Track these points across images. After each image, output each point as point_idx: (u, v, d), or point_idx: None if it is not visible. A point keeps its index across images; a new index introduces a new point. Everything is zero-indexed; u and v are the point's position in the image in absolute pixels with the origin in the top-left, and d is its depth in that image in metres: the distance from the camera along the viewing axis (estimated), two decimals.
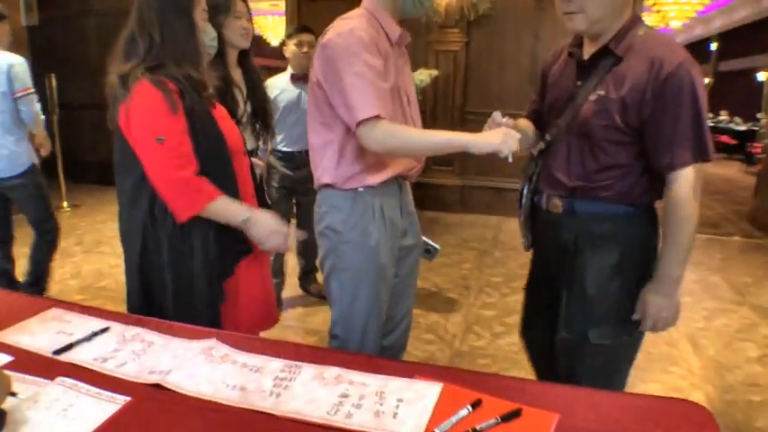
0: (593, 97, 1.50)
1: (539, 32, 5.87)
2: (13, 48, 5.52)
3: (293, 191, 3.48)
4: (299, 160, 3.37)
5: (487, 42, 6.02)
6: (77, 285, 4.01)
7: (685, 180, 1.43)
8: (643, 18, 1.57)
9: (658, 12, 9.29)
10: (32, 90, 3.37)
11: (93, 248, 4.85)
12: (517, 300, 3.68)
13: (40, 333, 1.43)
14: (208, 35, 1.80)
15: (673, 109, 1.40)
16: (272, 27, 11.02)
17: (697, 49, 14.56)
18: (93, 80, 6.80)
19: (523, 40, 5.94)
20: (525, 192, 1.70)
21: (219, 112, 1.71)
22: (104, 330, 1.43)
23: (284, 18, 6.99)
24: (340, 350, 1.34)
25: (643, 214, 1.56)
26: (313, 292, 3.87)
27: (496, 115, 1.60)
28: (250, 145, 2.34)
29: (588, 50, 1.56)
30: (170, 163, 1.54)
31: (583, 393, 1.15)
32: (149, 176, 1.58)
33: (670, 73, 1.38)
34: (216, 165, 1.62)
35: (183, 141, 1.55)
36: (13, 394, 1.12)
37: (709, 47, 15.38)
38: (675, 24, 9.25)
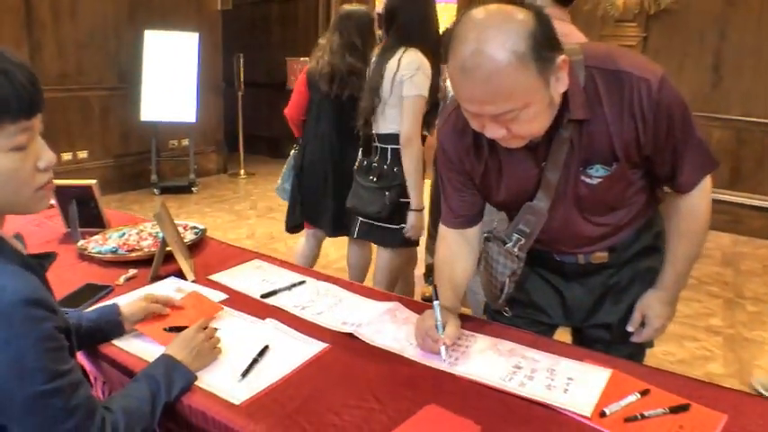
0: (592, 180, 1.24)
1: (726, 31, 5.45)
2: (209, 30, 6.22)
3: None
4: None
5: (667, 39, 5.69)
6: (252, 245, 4.47)
7: (704, 190, 1.30)
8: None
9: None
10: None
11: (266, 214, 5.36)
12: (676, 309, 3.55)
13: (248, 279, 1.69)
14: None
15: (673, 135, 1.19)
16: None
17: None
18: (272, 62, 7.38)
19: (708, 38, 5.54)
20: (508, 283, 1.41)
21: None
22: (301, 283, 1.65)
23: (455, 5, 7.06)
24: (510, 326, 1.44)
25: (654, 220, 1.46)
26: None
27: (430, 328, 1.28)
28: None
29: None
30: None
31: (753, 399, 1.16)
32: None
33: (653, 102, 1.14)
34: None
35: None
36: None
37: None
38: None
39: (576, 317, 1.49)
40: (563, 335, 1.59)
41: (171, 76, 5.73)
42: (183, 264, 1.67)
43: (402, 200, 2.44)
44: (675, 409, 1.07)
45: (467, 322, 1.39)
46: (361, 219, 2.55)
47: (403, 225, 2.47)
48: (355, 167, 2.58)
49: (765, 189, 5.31)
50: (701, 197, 1.31)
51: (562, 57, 1.07)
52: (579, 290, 1.46)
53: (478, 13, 1.04)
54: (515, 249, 1.35)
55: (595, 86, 1.16)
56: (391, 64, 2.35)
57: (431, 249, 3.58)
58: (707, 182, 1.30)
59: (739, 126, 5.50)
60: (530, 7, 1.05)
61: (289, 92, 3.17)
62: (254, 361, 1.25)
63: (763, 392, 2.81)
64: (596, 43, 1.25)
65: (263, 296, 1.57)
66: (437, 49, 2.41)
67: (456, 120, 1.28)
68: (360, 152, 2.60)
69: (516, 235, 1.34)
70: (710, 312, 3.61)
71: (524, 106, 1.05)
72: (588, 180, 1.24)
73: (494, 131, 1.11)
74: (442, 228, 1.46)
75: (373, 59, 2.49)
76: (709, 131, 5.63)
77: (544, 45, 1.03)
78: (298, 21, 7.32)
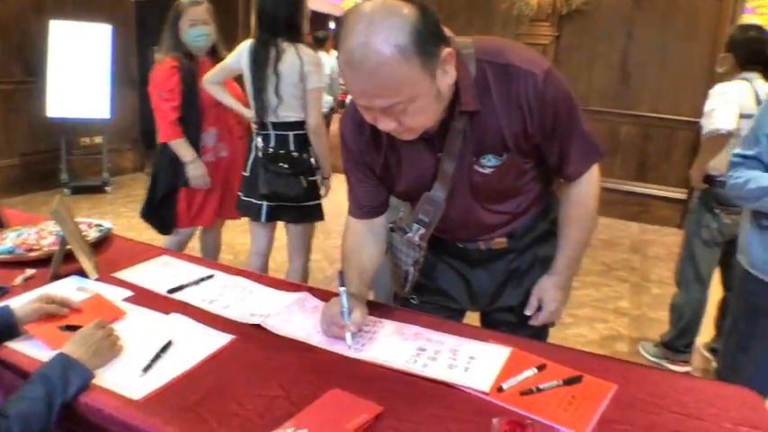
0: (484, 170, 1.27)
1: (633, 32, 5.74)
2: (122, 22, 5.97)
3: None
4: None
5: (578, 38, 5.94)
6: None
7: (592, 179, 1.36)
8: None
9: (762, 15, 8.80)
10: None
11: None
12: (587, 293, 3.73)
13: (155, 275, 1.64)
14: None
15: (559, 126, 1.24)
16: None
17: None
18: None
19: (616, 38, 5.82)
20: (412, 272, 1.46)
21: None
22: (210, 277, 1.62)
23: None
24: (418, 312, 1.47)
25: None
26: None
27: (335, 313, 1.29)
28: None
29: None
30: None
31: (640, 369, 1.24)
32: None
33: (539, 94, 1.18)
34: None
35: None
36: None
37: None
38: None
39: (482, 301, 1.53)
40: (473, 320, 1.64)
41: (81, 70, 5.45)
42: (85, 262, 1.60)
43: (311, 178, 2.71)
44: (569, 381, 1.13)
45: (374, 309, 1.40)
46: (267, 203, 2.69)
47: (317, 201, 2.76)
48: (260, 156, 2.65)
49: (671, 180, 5.64)
50: (588, 185, 1.36)
51: (447, 50, 1.09)
52: (483, 275, 1.49)
53: (365, 7, 1.05)
54: (416, 238, 1.38)
55: (486, 79, 1.19)
56: (290, 60, 2.52)
57: None
58: (594, 171, 1.36)
59: (646, 122, 5.80)
60: (415, 2, 1.07)
61: None
62: (157, 356, 1.21)
63: (649, 357, 3.02)
64: (487, 37, 1.28)
65: (170, 291, 1.53)
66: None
67: (355, 113, 1.27)
68: (260, 141, 2.68)
69: (416, 224, 1.36)
70: (619, 296, 3.81)
71: (411, 99, 1.07)
72: (481, 170, 1.27)
73: (385, 124, 1.13)
74: (348, 218, 1.47)
75: (248, 55, 2.58)
76: (618, 127, 5.91)
77: (428, 39, 1.05)
78: (217, 17, 7.15)
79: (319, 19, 12.36)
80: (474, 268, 1.50)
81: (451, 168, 1.26)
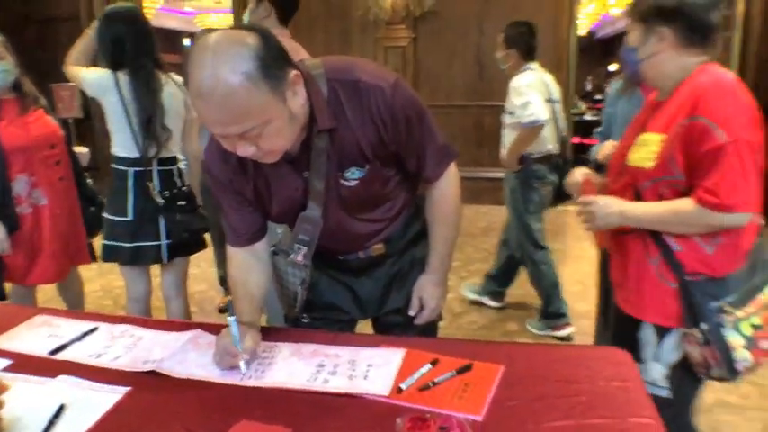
0: (349, 183, 1.33)
1: (483, 26, 6.10)
2: None
3: None
4: None
5: (434, 37, 6.23)
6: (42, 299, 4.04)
7: (450, 179, 1.46)
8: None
9: (598, 1, 9.64)
10: None
11: None
12: (475, 282, 3.92)
13: (32, 337, 1.54)
14: None
15: (412, 133, 1.32)
16: (218, 25, 11.03)
17: None
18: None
19: (469, 34, 6.17)
20: (301, 291, 1.52)
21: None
22: (93, 330, 1.55)
23: (231, 15, 7.07)
24: (311, 329, 1.50)
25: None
26: None
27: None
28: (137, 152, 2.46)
29: None
30: None
31: (523, 348, 1.36)
32: None
33: (388, 106, 1.25)
34: None
35: None
36: None
37: None
38: (615, 12, 9.61)
39: (370, 308, 1.59)
40: (366, 328, 1.70)
41: None
42: None
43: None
44: (461, 370, 1.22)
45: (268, 333, 1.42)
46: (167, 242, 2.55)
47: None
48: (158, 202, 2.50)
49: None
50: (447, 185, 1.47)
51: (294, 72, 1.15)
52: (367, 282, 1.56)
53: (209, 39, 1.09)
54: (300, 258, 1.42)
55: (338, 97, 1.25)
56: (173, 91, 2.51)
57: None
58: (451, 171, 1.46)
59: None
60: (257, 29, 1.12)
61: (60, 122, 2.82)
62: (50, 424, 1.15)
63: (535, 331, 3.27)
64: (335, 57, 1.35)
65: (52, 353, 1.45)
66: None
67: (219, 144, 1.27)
68: (154, 186, 2.53)
69: (298, 245, 1.40)
70: None
71: (265, 123, 1.11)
72: (347, 183, 1.34)
73: (244, 149, 1.15)
74: (229, 249, 1.47)
75: (133, 87, 2.41)
76: (482, 119, 6.26)
77: (272, 64, 1.10)
78: (59, 44, 6.70)
79: (171, 37, 11.94)
80: (358, 277, 1.56)
81: (321, 186, 1.32)
